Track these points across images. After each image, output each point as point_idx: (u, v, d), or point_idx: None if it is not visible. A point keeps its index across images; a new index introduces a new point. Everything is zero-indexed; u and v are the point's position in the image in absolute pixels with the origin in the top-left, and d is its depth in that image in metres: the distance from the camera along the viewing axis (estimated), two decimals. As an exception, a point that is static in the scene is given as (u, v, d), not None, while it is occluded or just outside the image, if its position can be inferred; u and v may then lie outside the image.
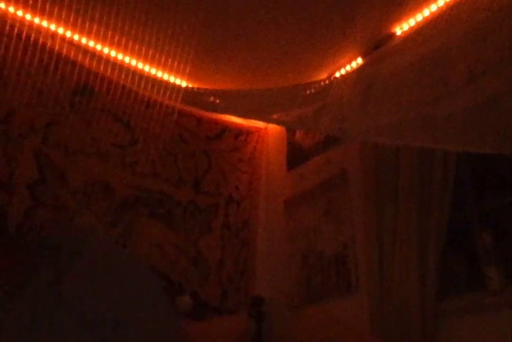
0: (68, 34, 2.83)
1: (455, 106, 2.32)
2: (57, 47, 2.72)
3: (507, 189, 2.57)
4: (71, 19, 2.66)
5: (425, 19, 2.69)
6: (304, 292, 3.12)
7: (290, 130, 3.57)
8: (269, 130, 3.75)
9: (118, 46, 2.83)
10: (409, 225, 2.58)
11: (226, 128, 3.57)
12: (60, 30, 2.81)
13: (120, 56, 2.97)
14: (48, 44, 2.69)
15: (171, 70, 2.93)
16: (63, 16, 2.67)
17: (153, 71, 3.07)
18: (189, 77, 2.99)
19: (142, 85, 2.84)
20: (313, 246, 3.17)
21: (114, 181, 2.92)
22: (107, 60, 2.84)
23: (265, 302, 2.10)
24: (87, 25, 2.68)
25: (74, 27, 2.76)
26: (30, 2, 2.58)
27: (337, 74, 3.01)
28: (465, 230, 2.63)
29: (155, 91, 2.82)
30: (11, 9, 2.71)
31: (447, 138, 2.36)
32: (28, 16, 2.73)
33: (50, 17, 2.69)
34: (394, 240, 2.64)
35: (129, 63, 3.00)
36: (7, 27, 2.56)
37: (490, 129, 2.22)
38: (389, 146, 2.75)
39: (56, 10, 2.61)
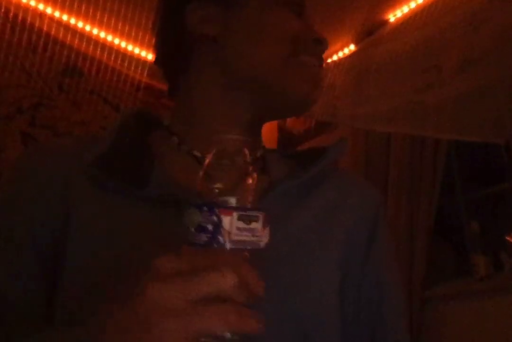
0: (57, 14, 2.78)
1: (447, 94, 2.32)
2: (45, 27, 2.67)
3: (494, 178, 2.59)
4: (60, -1, 2.62)
5: (418, 6, 2.67)
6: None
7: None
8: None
9: (107, 27, 2.78)
10: (398, 213, 2.59)
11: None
12: (49, 10, 2.75)
13: (109, 38, 2.92)
14: (37, 24, 2.64)
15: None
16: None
17: (143, 53, 3.02)
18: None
19: (132, 68, 2.80)
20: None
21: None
22: (97, 42, 2.80)
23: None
24: (75, 5, 2.64)
25: (63, 7, 2.71)
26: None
27: (329, 60, 2.99)
28: (453, 218, 2.65)
29: (145, 74, 2.79)
30: (-2, -12, 2.65)
31: (438, 126, 2.37)
32: (15, -5, 2.67)
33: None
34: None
35: (119, 45, 2.94)
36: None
37: (482, 118, 2.22)
38: (380, 133, 2.75)
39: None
